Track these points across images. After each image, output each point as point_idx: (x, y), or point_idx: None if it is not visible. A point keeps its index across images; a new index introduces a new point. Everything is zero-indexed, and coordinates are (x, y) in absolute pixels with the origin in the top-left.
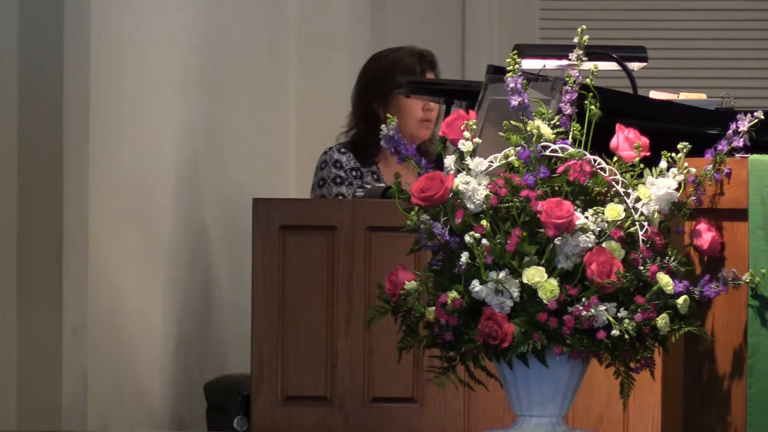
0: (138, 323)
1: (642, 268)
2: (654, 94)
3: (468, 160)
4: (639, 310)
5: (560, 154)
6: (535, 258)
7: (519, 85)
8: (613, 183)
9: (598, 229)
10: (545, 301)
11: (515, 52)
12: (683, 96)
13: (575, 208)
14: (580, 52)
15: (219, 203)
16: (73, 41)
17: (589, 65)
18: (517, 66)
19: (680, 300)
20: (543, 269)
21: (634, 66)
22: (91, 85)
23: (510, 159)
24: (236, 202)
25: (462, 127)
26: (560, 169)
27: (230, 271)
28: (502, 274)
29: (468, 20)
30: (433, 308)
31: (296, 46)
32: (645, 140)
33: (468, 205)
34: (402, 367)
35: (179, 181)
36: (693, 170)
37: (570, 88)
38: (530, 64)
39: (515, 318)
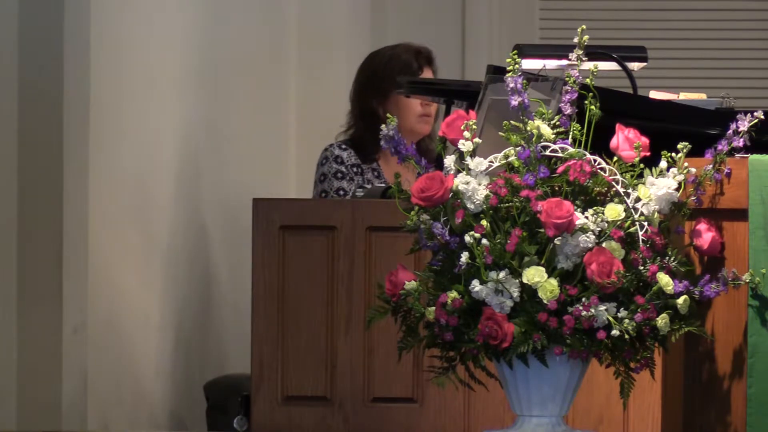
0: (138, 323)
1: (642, 268)
2: (654, 94)
3: (468, 160)
4: (639, 310)
5: (560, 154)
6: (535, 258)
7: (519, 85)
8: (613, 183)
9: (598, 229)
10: (545, 301)
11: (515, 52)
12: (683, 96)
13: (575, 208)
14: (580, 52)
15: (219, 203)
16: (73, 41)
17: (589, 65)
18: (517, 66)
19: (680, 300)
20: (543, 269)
21: (634, 66)
22: (91, 85)
23: (510, 159)
24: (236, 202)
25: (462, 127)
26: (560, 169)
27: (230, 271)
28: (502, 274)
29: (468, 20)
30: (433, 308)
31: (296, 46)
32: (645, 140)
33: (468, 205)
34: (402, 367)
35: (179, 181)
36: (693, 170)
37: (570, 88)
38: (530, 64)
39: (515, 318)
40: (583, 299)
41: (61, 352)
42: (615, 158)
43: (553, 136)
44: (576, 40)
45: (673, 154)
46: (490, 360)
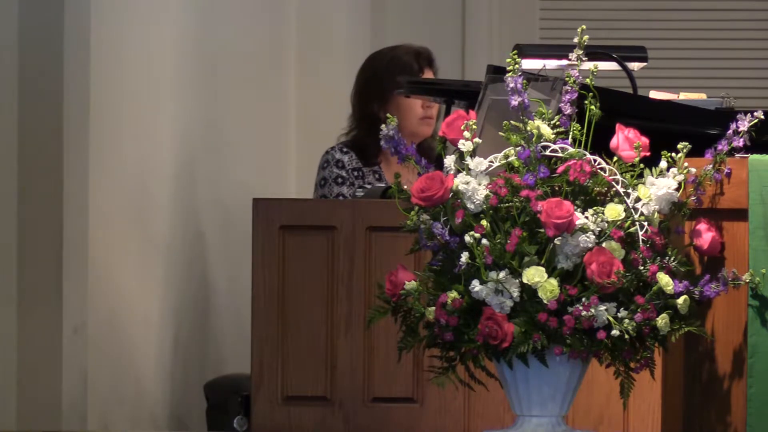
0: (138, 323)
1: (642, 268)
2: (654, 94)
3: (468, 160)
4: (639, 310)
5: (560, 154)
6: (535, 258)
7: (519, 85)
8: (613, 183)
9: (598, 229)
10: (545, 301)
11: (515, 52)
12: (683, 96)
13: (575, 208)
14: (580, 52)
15: (219, 203)
16: (73, 41)
17: (589, 65)
18: (517, 66)
19: (680, 300)
20: (543, 269)
21: (634, 66)
22: (91, 85)
23: (510, 159)
24: (236, 202)
25: (462, 127)
26: (560, 169)
27: (230, 272)
28: (502, 274)
29: (468, 20)
30: (433, 308)
31: (296, 46)
32: (645, 140)
33: (468, 205)
34: (402, 367)
35: (179, 181)
36: (693, 170)
37: (570, 88)
38: (530, 64)
39: (515, 318)
40: (583, 299)
41: (61, 352)
42: (615, 158)
43: (553, 136)
44: (576, 40)
45: (673, 154)
46: (490, 360)
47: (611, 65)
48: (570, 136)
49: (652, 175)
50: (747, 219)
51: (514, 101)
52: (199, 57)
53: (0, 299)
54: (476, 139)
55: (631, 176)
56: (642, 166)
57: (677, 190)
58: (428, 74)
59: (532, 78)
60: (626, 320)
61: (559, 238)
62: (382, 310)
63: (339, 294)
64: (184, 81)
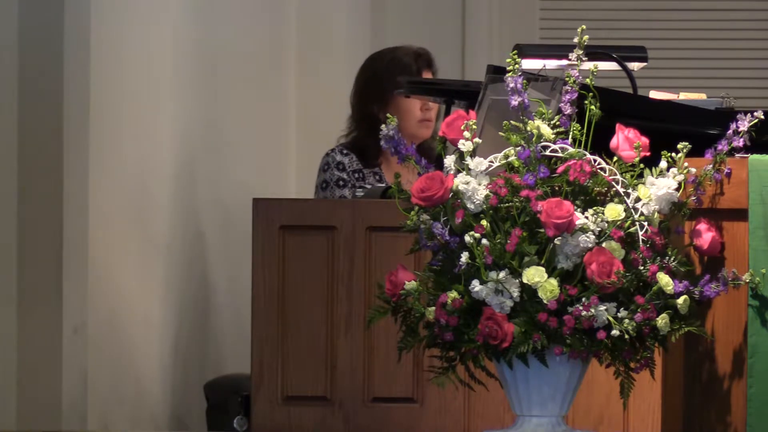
0: (138, 323)
1: (642, 268)
2: (654, 94)
3: (468, 160)
4: (639, 310)
5: (560, 154)
6: (535, 258)
7: (519, 85)
8: (613, 183)
9: (598, 229)
10: (545, 301)
11: (515, 52)
12: (683, 96)
13: (575, 208)
14: (580, 52)
15: (219, 203)
16: (73, 41)
17: (589, 65)
18: (517, 66)
19: (680, 300)
20: (543, 269)
21: (634, 66)
22: (91, 85)
23: (510, 159)
24: (236, 202)
25: (462, 127)
26: (560, 169)
27: (230, 272)
28: (502, 274)
29: (468, 20)
30: (433, 308)
31: (296, 46)
32: (645, 140)
33: (468, 205)
34: (402, 367)
35: (179, 181)
36: (693, 170)
37: (570, 88)
38: (530, 64)
39: (515, 318)
40: (583, 299)
41: (61, 352)
42: (615, 158)
43: (553, 136)
44: (576, 40)
45: (673, 154)
46: (490, 360)
47: (611, 65)
48: (570, 136)
49: (652, 175)
50: (747, 219)
51: (514, 101)
52: (199, 57)
53: (0, 299)
54: (476, 139)
55: (631, 176)
56: (642, 166)
57: (677, 190)
58: (427, 76)
59: (532, 78)
60: (626, 320)
61: (559, 238)
62: (382, 310)
63: (339, 294)
64: (184, 81)
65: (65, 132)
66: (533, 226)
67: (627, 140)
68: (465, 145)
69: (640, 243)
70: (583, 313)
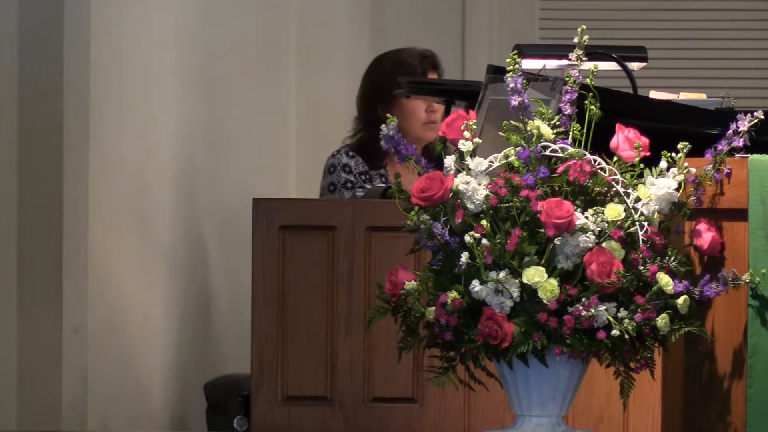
0: (138, 323)
1: (642, 268)
2: (654, 94)
3: (468, 160)
4: (639, 310)
5: (560, 154)
6: (535, 258)
7: (519, 85)
8: (613, 183)
9: (598, 229)
10: (545, 301)
11: (515, 52)
12: (683, 96)
13: (575, 208)
14: (580, 52)
15: (219, 203)
16: (73, 41)
17: (589, 65)
18: (517, 66)
19: (680, 300)
20: (543, 269)
21: (634, 66)
22: (91, 85)
23: (510, 159)
24: (236, 202)
25: (462, 127)
26: (560, 169)
27: (230, 271)
28: (502, 274)
29: (468, 20)
30: (433, 308)
31: (296, 46)
32: (645, 140)
33: (468, 205)
34: (402, 367)
35: (179, 181)
36: (693, 170)
37: (570, 88)
38: (530, 64)
39: (515, 318)
40: (583, 299)
41: (61, 352)
42: (615, 158)
43: (553, 136)
44: (576, 40)
45: (673, 154)
46: (490, 360)
47: (611, 65)
48: (570, 136)
49: (652, 175)
50: (747, 219)
51: (514, 101)
52: (199, 56)
53: (0, 299)
54: (476, 139)
55: (631, 176)
56: (642, 166)
57: (677, 190)
58: (432, 78)
59: (532, 78)
60: (626, 320)
61: (559, 238)
62: (382, 310)
63: (339, 294)
64: (184, 81)
65: (65, 132)
66: (533, 226)
67: (627, 140)
68: (465, 145)
69: (640, 243)
70: (583, 313)
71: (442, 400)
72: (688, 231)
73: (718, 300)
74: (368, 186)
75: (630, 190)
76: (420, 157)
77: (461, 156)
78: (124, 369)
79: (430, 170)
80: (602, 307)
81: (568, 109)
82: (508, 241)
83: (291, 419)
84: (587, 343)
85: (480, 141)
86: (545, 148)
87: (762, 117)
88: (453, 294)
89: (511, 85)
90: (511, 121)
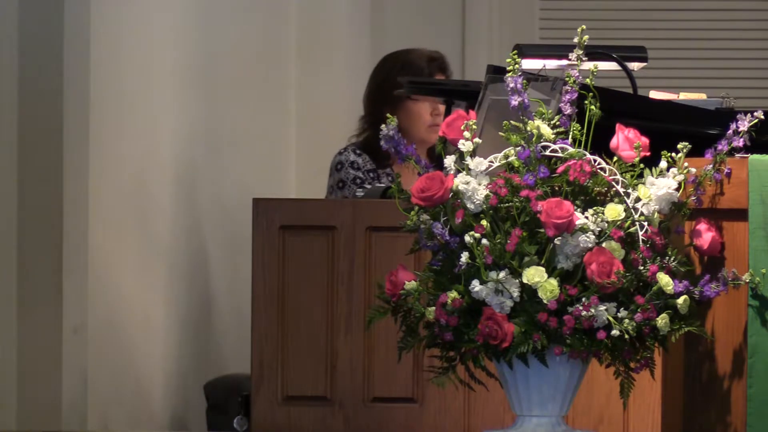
0: (138, 323)
1: (642, 268)
2: (654, 94)
3: (468, 160)
4: (639, 310)
5: (560, 154)
6: (535, 258)
7: (519, 85)
8: (613, 183)
9: (598, 229)
10: (545, 301)
11: (515, 52)
12: (683, 96)
13: (575, 208)
14: (580, 52)
15: (219, 203)
16: (73, 41)
17: (589, 65)
18: (517, 66)
19: (680, 300)
20: (543, 269)
21: (634, 66)
22: (91, 85)
23: (510, 159)
24: (236, 202)
25: (462, 127)
26: (560, 169)
27: (230, 272)
28: (502, 274)
29: (468, 20)
30: (433, 308)
31: (296, 46)
32: (645, 140)
33: (468, 205)
34: (402, 367)
35: (179, 181)
36: (693, 170)
37: (570, 88)
38: (530, 64)
39: (515, 318)
40: (583, 299)
41: (61, 352)
42: (615, 158)
43: (553, 136)
44: (576, 40)
45: (673, 154)
46: (490, 360)
47: (611, 65)
48: (570, 136)
49: (652, 175)
50: (747, 219)
51: (514, 101)
52: (199, 57)
53: (0, 299)
54: (476, 139)
55: (631, 176)
56: (642, 166)
57: (677, 190)
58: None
59: (532, 78)
60: (626, 320)
61: (559, 238)
62: (382, 310)
63: (339, 294)
64: (184, 81)
65: (65, 132)
66: (533, 226)
67: (627, 140)
68: (465, 145)
69: (640, 243)
70: (583, 313)
71: (442, 400)
72: (688, 231)
73: (718, 300)
74: (377, 183)
75: (630, 190)
76: (420, 157)
77: (461, 156)
78: (124, 369)
79: (430, 170)
80: (602, 307)
81: (568, 109)
82: (508, 241)
83: (291, 419)
84: (587, 343)
85: (480, 141)
86: (545, 148)
87: (762, 117)
88: (453, 294)
89: (511, 85)
90: (511, 121)
